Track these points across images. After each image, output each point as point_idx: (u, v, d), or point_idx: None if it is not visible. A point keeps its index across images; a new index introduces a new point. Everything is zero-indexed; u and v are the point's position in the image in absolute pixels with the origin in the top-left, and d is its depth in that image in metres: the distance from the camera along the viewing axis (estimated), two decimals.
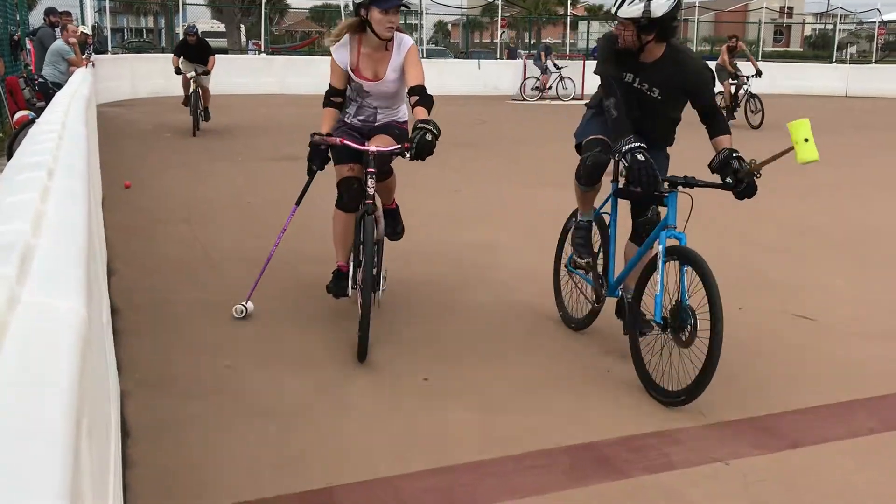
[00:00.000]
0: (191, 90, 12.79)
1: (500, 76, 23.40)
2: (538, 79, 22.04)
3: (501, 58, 26.28)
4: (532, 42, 31.38)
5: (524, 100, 21.75)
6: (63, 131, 3.18)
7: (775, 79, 25.83)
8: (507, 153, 11.67)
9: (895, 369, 4.02)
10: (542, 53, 22.15)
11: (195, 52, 12.78)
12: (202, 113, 12.97)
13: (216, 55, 13.29)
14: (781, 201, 8.24)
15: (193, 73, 12.68)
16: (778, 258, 6.09)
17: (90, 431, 1.17)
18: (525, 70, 22.70)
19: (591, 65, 24.36)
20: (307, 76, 21.57)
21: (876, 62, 30.68)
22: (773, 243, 6.54)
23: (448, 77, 22.97)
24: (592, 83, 21.72)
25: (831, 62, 29.07)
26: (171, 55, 13.48)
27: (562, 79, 21.84)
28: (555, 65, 22.09)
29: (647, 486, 2.91)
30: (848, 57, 38.92)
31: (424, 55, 26.36)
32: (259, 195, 8.01)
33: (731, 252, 6.22)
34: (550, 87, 21.91)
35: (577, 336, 4.40)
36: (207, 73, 12.82)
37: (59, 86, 10.02)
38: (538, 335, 4.41)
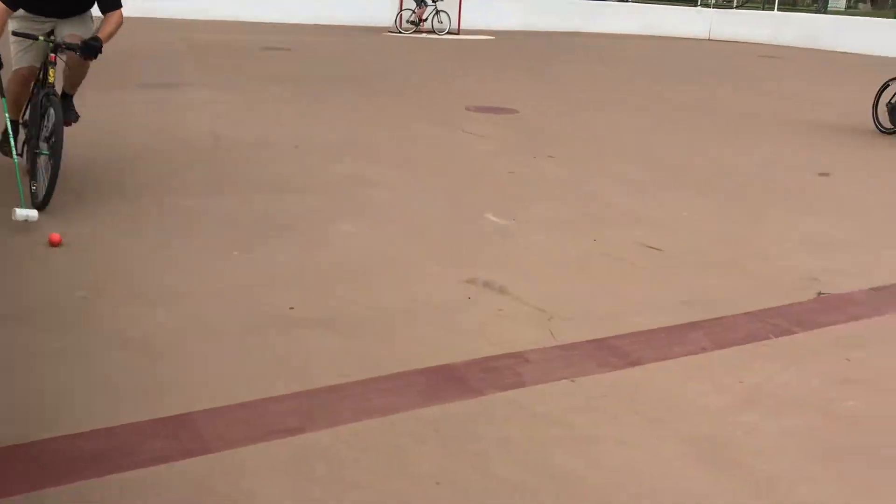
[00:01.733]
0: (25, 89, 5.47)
1: (378, 6, 22.93)
2: (414, 11, 21.79)
3: None
4: None
5: (400, 32, 21.49)
6: None
7: (637, 22, 26.51)
8: (379, 87, 11.59)
9: (726, 295, 4.38)
10: None
11: None
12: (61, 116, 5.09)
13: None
14: (641, 138, 8.63)
15: (42, 40, 5.05)
16: (632, 191, 6.41)
17: None
18: (402, 2, 22.38)
19: None
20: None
21: (737, 7, 31.94)
22: (629, 177, 6.86)
23: (324, 6, 22.39)
24: (469, 17, 21.62)
25: (696, 5, 30.01)
26: None
27: (437, 12, 21.67)
28: None
29: (499, 402, 3.10)
30: (712, 1, 40.29)
31: None
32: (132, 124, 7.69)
33: (589, 184, 6.52)
34: (426, 20, 21.72)
35: (422, 267, 4.53)
36: (94, 47, 4.95)
37: None
38: (404, 266, 4.52)
